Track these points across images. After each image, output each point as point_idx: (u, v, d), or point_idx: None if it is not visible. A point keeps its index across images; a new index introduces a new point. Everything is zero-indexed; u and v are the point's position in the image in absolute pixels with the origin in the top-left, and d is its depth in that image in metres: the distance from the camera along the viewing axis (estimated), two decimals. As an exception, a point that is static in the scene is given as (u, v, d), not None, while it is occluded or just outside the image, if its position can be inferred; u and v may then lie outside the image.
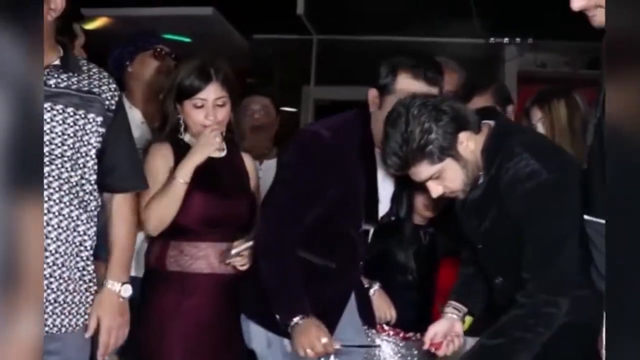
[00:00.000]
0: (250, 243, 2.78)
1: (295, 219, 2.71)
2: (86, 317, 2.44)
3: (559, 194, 2.29)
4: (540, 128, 3.06)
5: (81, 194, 2.40)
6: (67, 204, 2.35)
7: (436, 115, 2.32)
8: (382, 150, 2.39)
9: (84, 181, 2.40)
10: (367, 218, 2.90)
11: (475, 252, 2.58)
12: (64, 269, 2.36)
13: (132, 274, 2.65)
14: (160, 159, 2.80)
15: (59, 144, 2.33)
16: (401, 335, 3.13)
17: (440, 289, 3.22)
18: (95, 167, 2.43)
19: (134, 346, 2.70)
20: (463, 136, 2.35)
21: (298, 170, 2.74)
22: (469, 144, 2.36)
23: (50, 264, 2.32)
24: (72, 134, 2.36)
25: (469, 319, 2.80)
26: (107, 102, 2.45)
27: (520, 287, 2.36)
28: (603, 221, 2.04)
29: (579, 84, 3.39)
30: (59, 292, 2.35)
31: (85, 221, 2.41)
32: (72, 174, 2.36)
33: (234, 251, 2.76)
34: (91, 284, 2.47)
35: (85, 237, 2.42)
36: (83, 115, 2.39)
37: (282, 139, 4.23)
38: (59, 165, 2.33)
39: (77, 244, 2.40)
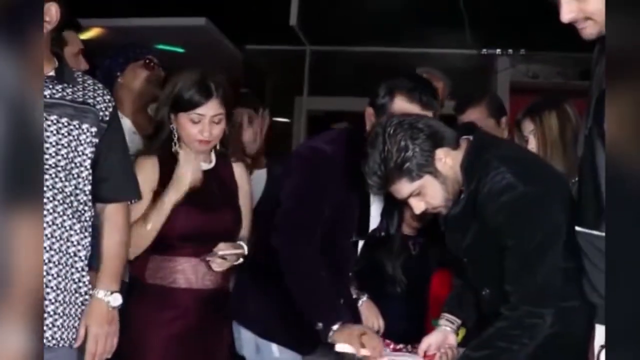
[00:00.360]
0: (239, 250, 2.77)
1: (312, 230, 2.75)
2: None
3: (536, 206, 2.30)
4: (532, 140, 3.08)
5: (75, 203, 2.40)
6: (61, 213, 2.36)
7: (412, 133, 2.36)
8: (363, 170, 2.42)
9: (78, 191, 2.41)
10: (359, 231, 2.95)
11: (462, 264, 2.59)
12: (59, 279, 2.36)
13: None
14: (142, 175, 2.72)
15: (53, 154, 2.34)
16: (391, 347, 3.13)
17: (432, 299, 3.22)
18: (90, 177, 2.44)
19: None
20: (440, 152, 2.38)
21: (306, 184, 2.80)
22: (447, 160, 2.39)
23: (45, 273, 2.32)
24: (66, 144, 2.37)
25: (462, 331, 2.81)
26: (101, 113, 2.46)
27: (505, 299, 2.37)
28: (595, 232, 2.05)
29: (571, 95, 3.40)
30: (56, 304, 2.35)
31: (78, 231, 2.42)
32: (66, 183, 2.37)
33: (220, 252, 2.73)
34: (87, 297, 2.46)
35: (80, 247, 2.42)
36: (77, 126, 2.40)
37: (274, 149, 4.24)
38: (53, 175, 2.34)
39: (72, 254, 2.40)
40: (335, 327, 2.62)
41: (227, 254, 2.74)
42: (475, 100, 3.69)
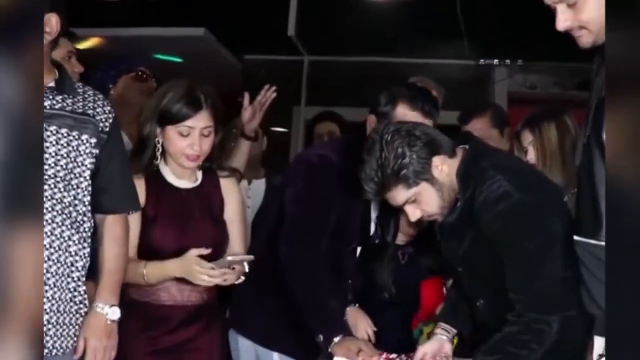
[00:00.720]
0: (249, 257, 2.71)
1: (318, 238, 2.77)
2: (75, 339, 2.43)
3: (532, 213, 2.31)
4: (531, 150, 3.08)
5: (74, 214, 2.40)
6: (59, 224, 2.36)
7: (409, 140, 2.37)
8: (359, 177, 2.43)
9: (77, 202, 2.41)
10: (361, 238, 2.98)
11: (457, 274, 2.59)
12: (55, 289, 2.36)
13: None
14: None
15: (52, 165, 2.34)
16: (384, 356, 3.11)
17: (422, 307, 3.21)
18: (89, 188, 2.44)
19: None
20: (437, 160, 2.38)
21: (312, 190, 2.82)
22: (444, 167, 2.39)
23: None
24: (65, 155, 2.37)
25: (454, 340, 2.82)
26: (101, 124, 2.46)
27: (505, 308, 2.36)
28: (593, 241, 2.05)
29: (569, 106, 3.41)
30: (51, 313, 2.35)
31: (77, 242, 2.42)
32: (65, 194, 2.37)
33: (229, 258, 2.65)
34: (81, 306, 2.46)
35: (77, 258, 2.42)
36: (77, 137, 2.40)
37: (271, 159, 4.25)
38: (52, 186, 2.34)
39: (69, 264, 2.40)
40: (336, 339, 2.63)
41: (236, 261, 2.66)
42: (479, 110, 3.70)
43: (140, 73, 3.76)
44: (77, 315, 2.44)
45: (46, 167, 2.33)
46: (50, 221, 2.33)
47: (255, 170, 3.96)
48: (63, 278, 2.38)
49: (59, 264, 2.36)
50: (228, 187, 2.89)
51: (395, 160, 2.35)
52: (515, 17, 5.00)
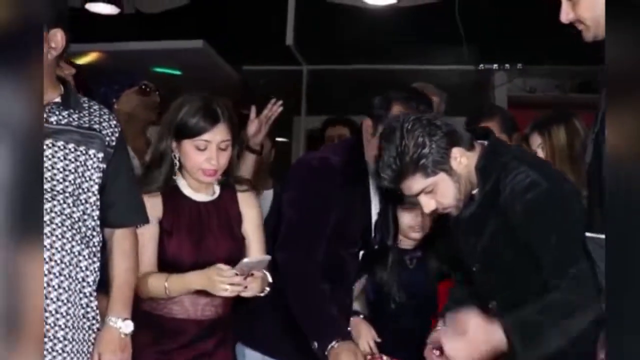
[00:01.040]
0: (267, 257, 2.63)
1: (316, 242, 2.76)
2: (89, 355, 2.43)
3: (563, 201, 2.29)
4: (540, 154, 3.06)
5: (83, 229, 2.40)
6: (70, 239, 2.35)
7: (430, 130, 2.35)
8: (376, 165, 2.42)
9: (86, 217, 2.41)
10: (362, 241, 2.97)
11: (470, 274, 2.57)
12: (69, 304, 2.35)
13: None
14: (149, 211, 2.62)
15: (61, 180, 2.34)
16: None
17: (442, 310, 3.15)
18: (98, 202, 2.44)
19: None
20: (456, 152, 2.37)
21: (307, 193, 2.82)
22: (462, 159, 2.38)
23: (55, 299, 2.32)
24: (73, 170, 2.37)
25: None
26: (107, 139, 2.46)
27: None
28: (603, 236, 2.04)
29: (570, 108, 3.40)
30: (66, 329, 2.35)
31: (87, 257, 2.41)
32: (74, 209, 2.37)
33: (245, 260, 2.55)
34: (94, 322, 2.46)
35: (88, 273, 2.42)
36: (84, 152, 2.40)
37: (273, 169, 4.24)
38: (61, 201, 2.33)
39: (80, 279, 2.39)
40: (332, 344, 2.62)
41: (253, 262, 2.57)
42: (487, 115, 3.68)
43: (143, 87, 3.77)
44: (90, 332, 2.44)
45: (55, 182, 2.33)
46: (60, 236, 2.33)
47: (264, 181, 3.96)
48: (75, 294, 2.38)
49: (70, 280, 2.36)
50: (246, 200, 2.83)
51: (415, 149, 2.33)
52: (514, 21, 5.01)
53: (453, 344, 2.24)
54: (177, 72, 6.01)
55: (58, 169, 2.34)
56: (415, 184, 2.37)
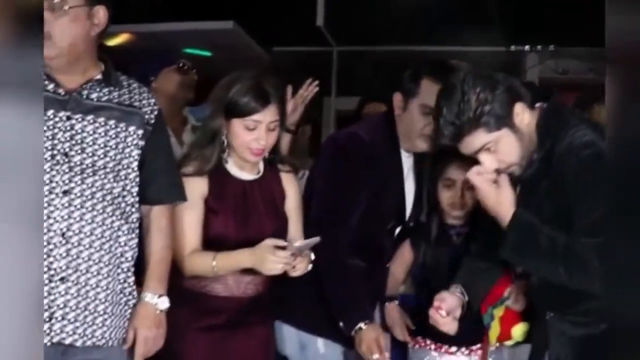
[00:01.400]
0: (317, 239, 2.57)
1: (345, 220, 2.78)
2: (125, 330, 2.46)
3: None
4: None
5: (123, 205, 2.42)
6: (110, 214, 2.38)
7: (492, 84, 2.28)
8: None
9: (125, 193, 2.43)
10: (396, 218, 2.98)
11: None
12: (108, 279, 2.38)
13: None
14: (193, 191, 2.64)
15: (102, 156, 2.37)
16: (443, 349, 3.05)
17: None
18: (137, 179, 2.46)
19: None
20: (519, 107, 2.30)
21: (339, 169, 2.84)
22: (525, 115, 2.31)
23: (95, 273, 2.35)
24: (113, 146, 2.39)
25: (523, 326, 2.84)
26: (146, 116, 2.48)
27: (560, 287, 2.27)
28: None
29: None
30: (106, 303, 2.38)
31: (126, 232, 2.44)
32: (115, 185, 2.39)
33: (297, 244, 2.56)
34: (130, 297, 2.48)
35: (127, 248, 2.45)
36: (124, 128, 2.42)
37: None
38: (102, 177, 2.36)
39: (119, 254, 2.42)
40: (358, 326, 2.69)
41: (306, 244, 2.57)
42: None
43: (182, 65, 3.78)
44: (126, 307, 2.47)
45: (96, 158, 2.36)
46: (101, 211, 2.36)
47: (303, 161, 3.97)
48: (114, 268, 2.41)
49: (110, 254, 2.38)
50: (289, 181, 2.84)
51: (478, 104, 2.26)
52: (546, 2, 4.95)
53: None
54: (207, 53, 6.01)
55: (99, 145, 2.37)
56: (476, 140, 2.30)
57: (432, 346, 3.06)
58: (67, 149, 2.32)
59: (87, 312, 2.33)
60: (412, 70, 2.85)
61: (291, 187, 2.84)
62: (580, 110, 3.05)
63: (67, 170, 2.31)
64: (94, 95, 2.40)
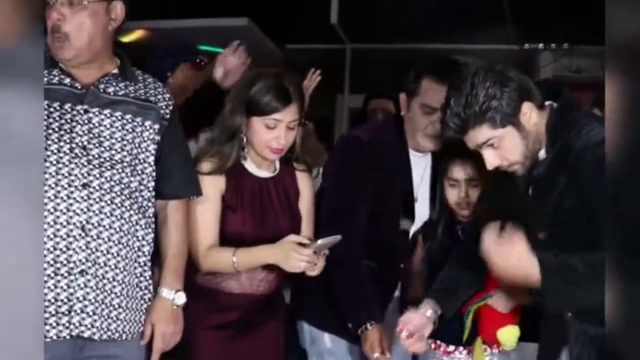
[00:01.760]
0: (338, 237, 2.57)
1: (352, 221, 2.80)
2: (141, 324, 2.47)
3: None
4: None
5: (140, 199, 2.44)
6: (128, 208, 2.39)
7: (502, 80, 2.27)
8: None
9: (142, 187, 2.44)
10: (405, 216, 2.97)
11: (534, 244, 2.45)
12: (125, 273, 2.39)
13: None
14: (211, 188, 2.65)
15: (119, 150, 2.39)
16: (442, 349, 3.04)
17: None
18: (153, 174, 2.47)
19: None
20: (527, 106, 2.29)
21: (345, 168, 2.87)
22: (532, 115, 2.30)
23: (112, 266, 2.36)
24: (130, 140, 2.41)
25: (515, 330, 2.82)
26: (162, 111, 2.50)
27: None
28: None
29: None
30: (122, 297, 2.39)
31: (143, 226, 2.45)
32: (132, 179, 2.41)
33: (320, 242, 2.56)
34: (146, 292, 2.49)
35: (144, 242, 2.46)
36: (140, 123, 2.44)
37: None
38: (120, 170, 2.38)
39: (136, 248, 2.43)
40: (364, 326, 2.74)
41: (328, 243, 2.56)
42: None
43: (198, 61, 3.79)
44: (142, 302, 2.47)
45: (113, 152, 2.37)
46: (119, 204, 2.37)
47: (321, 157, 3.95)
48: (131, 262, 2.42)
49: (127, 248, 2.40)
50: (303, 180, 2.85)
51: (485, 98, 2.25)
52: (560, 0, 4.94)
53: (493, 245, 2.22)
54: (221, 50, 6.01)
55: (116, 139, 2.38)
56: (480, 134, 2.29)
57: (432, 345, 3.05)
58: (85, 142, 2.33)
59: (104, 306, 2.34)
60: (414, 70, 2.87)
61: (305, 186, 2.85)
62: (599, 109, 3.05)
63: (85, 164, 2.32)
64: (110, 90, 2.41)
